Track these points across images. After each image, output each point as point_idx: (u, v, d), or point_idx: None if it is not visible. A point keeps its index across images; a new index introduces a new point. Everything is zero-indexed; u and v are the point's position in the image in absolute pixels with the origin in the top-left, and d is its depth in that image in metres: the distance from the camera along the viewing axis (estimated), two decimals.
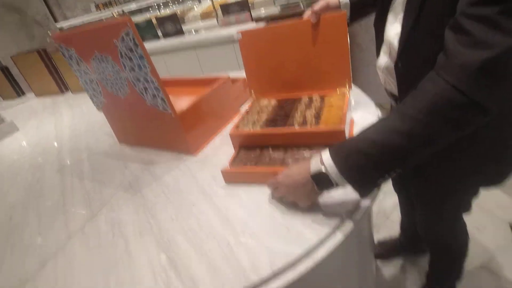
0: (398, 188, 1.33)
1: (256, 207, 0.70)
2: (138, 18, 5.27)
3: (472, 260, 1.37)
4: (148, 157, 1.04)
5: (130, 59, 0.80)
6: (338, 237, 0.60)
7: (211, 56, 2.71)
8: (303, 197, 0.64)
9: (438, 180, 0.89)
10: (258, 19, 2.41)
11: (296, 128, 0.80)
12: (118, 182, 0.95)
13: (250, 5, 2.83)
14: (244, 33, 0.96)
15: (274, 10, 2.85)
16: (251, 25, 2.61)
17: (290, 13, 2.36)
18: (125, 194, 0.88)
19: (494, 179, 0.85)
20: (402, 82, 0.75)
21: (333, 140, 0.76)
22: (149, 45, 3.01)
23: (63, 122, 1.64)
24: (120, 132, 1.17)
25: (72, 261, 0.71)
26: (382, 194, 1.98)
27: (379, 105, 1.01)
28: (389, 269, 1.60)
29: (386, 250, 1.62)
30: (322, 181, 0.58)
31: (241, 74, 1.49)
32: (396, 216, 1.72)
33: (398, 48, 0.70)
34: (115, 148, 1.18)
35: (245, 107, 1.19)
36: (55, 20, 5.06)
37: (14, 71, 2.31)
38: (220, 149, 0.97)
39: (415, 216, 1.39)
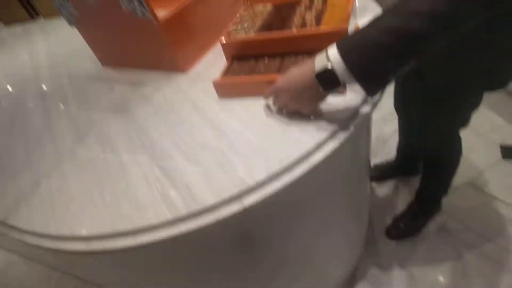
0: (400, 106, 1.29)
1: (251, 118, 0.66)
2: None
3: (459, 178, 1.40)
4: (135, 77, 0.96)
5: None
6: (335, 142, 0.57)
7: None
8: (307, 102, 0.58)
9: (445, 79, 0.83)
10: None
11: (294, 31, 0.71)
12: (105, 104, 0.88)
13: None
14: None
15: None
16: None
17: None
18: (113, 116, 0.82)
19: (502, 81, 0.80)
20: None
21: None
22: None
23: (38, 51, 1.50)
24: (101, 53, 1.07)
25: (66, 179, 0.67)
26: (382, 121, 1.95)
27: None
28: (383, 189, 1.65)
29: (381, 172, 1.65)
30: (327, 80, 0.52)
31: None
32: (394, 142, 1.72)
33: None
34: (99, 70, 1.08)
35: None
36: None
37: None
38: (214, 65, 0.89)
39: (413, 136, 1.38)
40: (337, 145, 0.56)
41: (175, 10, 0.82)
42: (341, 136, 0.58)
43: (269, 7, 0.86)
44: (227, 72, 0.75)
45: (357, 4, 0.88)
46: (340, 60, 0.49)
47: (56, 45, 1.49)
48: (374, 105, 0.63)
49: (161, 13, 0.79)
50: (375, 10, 0.91)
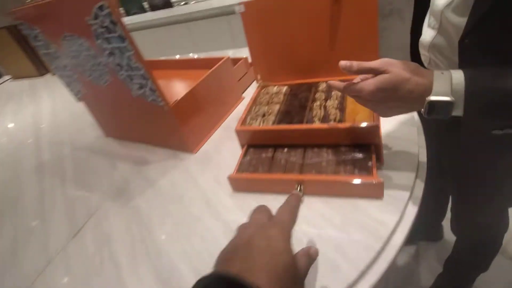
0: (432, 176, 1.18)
1: None
2: None
3: None
4: (139, 154, 0.90)
5: (108, 41, 0.63)
6: (381, 266, 0.48)
7: (205, 31, 2.50)
8: (395, 113, 0.52)
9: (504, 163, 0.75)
10: None
11: (318, 124, 0.65)
12: (106, 186, 0.81)
13: None
14: (248, 4, 0.78)
15: None
16: None
17: None
18: (114, 204, 0.74)
19: None
20: (467, 61, 0.58)
21: (364, 138, 0.62)
22: (135, 19, 2.76)
23: (42, 109, 1.47)
24: (106, 125, 1.02)
25: None
26: None
27: None
28: (403, 257, 1.52)
29: None
30: (439, 109, 0.46)
31: (240, 52, 1.32)
32: None
33: (470, 20, 0.53)
34: (101, 142, 1.03)
35: (248, 93, 1.05)
36: None
37: None
38: (223, 144, 0.83)
39: (440, 208, 1.27)
40: (382, 271, 0.48)
41: (186, 92, 0.78)
42: (386, 257, 0.49)
43: (284, 88, 0.81)
44: (242, 162, 0.69)
45: None
46: (463, 98, 0.45)
47: (60, 104, 1.46)
48: (417, 216, 0.55)
49: (170, 93, 0.75)
50: None
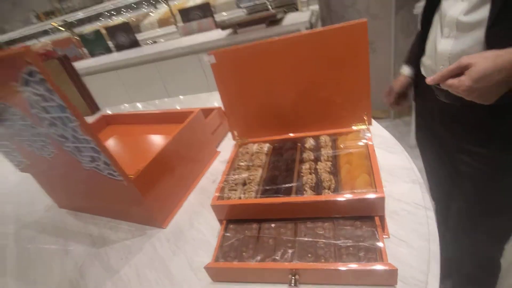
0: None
1: None
2: (87, 29, 4.83)
3: None
4: (98, 231, 0.75)
5: (46, 110, 0.51)
6: None
7: (174, 70, 2.41)
8: (496, 96, 0.56)
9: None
10: (223, 26, 2.14)
11: (311, 196, 0.55)
12: (55, 280, 0.66)
13: (212, 8, 2.57)
14: (218, 54, 0.69)
15: (238, 13, 2.61)
16: (216, 33, 2.34)
17: (258, 17, 2.11)
18: None
19: None
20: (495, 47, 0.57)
21: (367, 211, 0.52)
22: (100, 60, 2.64)
23: None
24: (58, 196, 0.86)
25: None
26: None
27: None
28: None
29: None
30: None
31: (213, 96, 1.23)
32: None
33: (489, 24, 0.58)
34: (53, 215, 0.87)
35: (224, 146, 0.93)
36: None
37: None
38: (197, 214, 0.71)
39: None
40: None
41: (149, 161, 0.66)
42: None
43: (266, 146, 0.71)
44: (221, 246, 0.56)
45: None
46: None
47: (7, 168, 1.27)
48: None
49: (133, 156, 0.62)
50: (385, 136, 0.80)
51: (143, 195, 0.64)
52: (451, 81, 0.56)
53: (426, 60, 0.78)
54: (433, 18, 0.75)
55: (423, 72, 0.80)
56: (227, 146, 0.93)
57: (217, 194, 0.60)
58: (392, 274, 0.46)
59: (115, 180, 0.60)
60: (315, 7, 2.43)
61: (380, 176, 0.53)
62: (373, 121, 0.84)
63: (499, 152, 0.71)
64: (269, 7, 2.37)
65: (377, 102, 2.67)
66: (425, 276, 0.48)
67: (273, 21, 2.11)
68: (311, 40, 0.61)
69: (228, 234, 0.58)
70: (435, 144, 0.93)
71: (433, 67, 0.74)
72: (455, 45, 0.66)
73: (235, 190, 0.61)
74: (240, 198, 0.59)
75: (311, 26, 2.15)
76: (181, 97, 1.46)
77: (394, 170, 0.68)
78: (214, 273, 0.54)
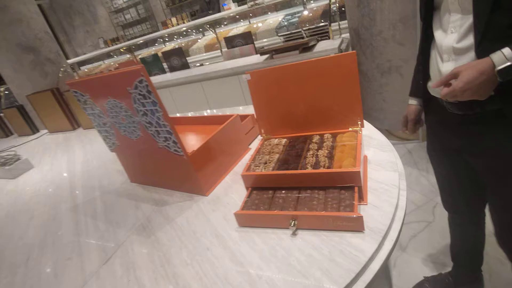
0: (463, 199, 1.21)
1: (270, 252, 0.69)
2: (144, 53, 5.46)
3: None
4: (159, 197, 1.04)
5: (143, 104, 0.82)
6: (359, 286, 0.59)
7: (217, 88, 2.77)
8: (486, 92, 0.76)
9: None
10: (262, 52, 2.47)
11: (310, 170, 0.80)
12: (131, 223, 0.95)
13: (253, 36, 2.92)
14: (253, 74, 0.98)
15: (276, 39, 2.93)
16: (255, 58, 2.67)
17: (292, 44, 2.42)
18: (138, 237, 0.87)
19: None
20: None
21: (348, 182, 0.76)
22: (156, 79, 3.09)
23: (75, 159, 1.66)
24: (132, 172, 1.18)
25: None
26: None
27: (388, 132, 1.01)
28: None
29: None
30: (508, 72, 0.71)
31: (248, 108, 1.51)
32: (412, 249, 1.68)
33: (476, 47, 0.78)
34: (126, 186, 1.18)
35: (254, 144, 1.21)
36: (67, 57, 5.26)
37: (28, 108, 2.37)
38: (231, 188, 0.97)
39: (477, 235, 1.30)
40: None
41: (201, 144, 0.94)
42: (364, 279, 0.60)
43: (284, 140, 0.97)
44: (247, 202, 0.82)
45: (362, 133, 0.99)
46: None
47: (91, 154, 1.65)
48: (393, 247, 0.66)
49: (188, 145, 0.90)
50: (380, 139, 1.02)
51: (195, 169, 0.92)
52: (446, 90, 0.78)
53: (432, 83, 0.97)
54: (430, 49, 0.96)
55: (432, 93, 0.98)
56: (256, 144, 1.20)
57: (246, 169, 0.87)
58: (359, 221, 0.68)
59: (178, 155, 0.89)
60: (347, 35, 2.68)
61: (360, 160, 0.77)
62: (370, 126, 1.07)
63: None
64: (304, 35, 2.66)
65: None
66: (387, 228, 0.69)
67: (306, 47, 2.40)
68: (316, 65, 0.88)
69: (251, 197, 0.84)
70: (449, 155, 1.08)
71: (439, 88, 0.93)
72: (455, 65, 0.84)
73: (258, 166, 0.87)
74: (261, 171, 0.85)
75: (340, 52, 2.40)
76: (222, 109, 1.77)
77: (382, 163, 0.90)
78: (240, 218, 0.79)
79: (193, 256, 0.74)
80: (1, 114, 2.59)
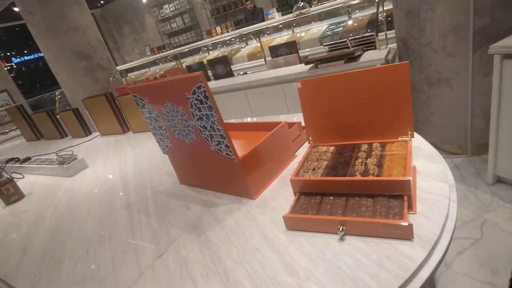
0: None
1: (318, 255, 0.71)
2: (189, 60, 5.69)
3: None
4: (208, 199, 1.09)
5: (199, 109, 0.87)
6: None
7: (260, 97, 2.82)
8: None
9: None
10: (306, 61, 2.49)
11: (359, 177, 0.80)
12: (182, 222, 1.00)
13: (298, 45, 2.95)
14: (303, 82, 1.00)
15: (320, 49, 2.94)
16: (299, 67, 2.70)
17: (337, 54, 2.41)
18: (189, 235, 0.92)
19: None
20: None
21: (398, 190, 0.75)
22: None
23: (126, 160, 1.77)
24: (182, 173, 1.24)
25: None
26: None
27: (435, 146, 0.99)
28: None
29: None
30: None
31: (292, 117, 1.54)
32: (457, 266, 1.60)
33: None
34: (176, 188, 1.25)
35: (300, 152, 1.23)
36: (116, 64, 5.62)
37: (82, 111, 2.57)
38: (278, 193, 1.00)
39: None
40: None
41: (252, 149, 0.98)
42: (413, 286, 0.60)
43: (332, 148, 0.98)
44: (295, 206, 0.84)
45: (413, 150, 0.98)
46: None
47: (141, 157, 1.75)
48: (443, 256, 0.66)
49: (237, 149, 0.94)
50: (429, 150, 1.00)
51: (245, 173, 0.96)
52: None
53: None
54: None
55: None
56: (303, 152, 1.22)
57: (295, 174, 0.89)
58: (409, 229, 0.68)
59: (229, 159, 0.93)
60: (394, 45, 2.63)
61: (411, 169, 0.77)
62: (419, 137, 1.06)
63: None
64: (349, 45, 2.65)
65: (454, 137, 2.69)
66: (437, 237, 0.69)
67: (351, 57, 2.39)
68: (367, 75, 0.89)
69: (299, 201, 0.86)
70: None
71: None
72: None
73: (307, 172, 0.89)
74: (310, 177, 0.87)
75: (387, 63, 2.36)
76: (265, 117, 1.81)
77: (431, 173, 0.89)
78: (288, 221, 0.81)
79: (243, 256, 0.78)
80: (58, 116, 2.81)
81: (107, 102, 2.25)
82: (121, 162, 1.76)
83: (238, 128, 1.37)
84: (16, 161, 2.19)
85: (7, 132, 4.27)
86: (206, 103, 0.84)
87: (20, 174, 1.96)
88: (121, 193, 1.35)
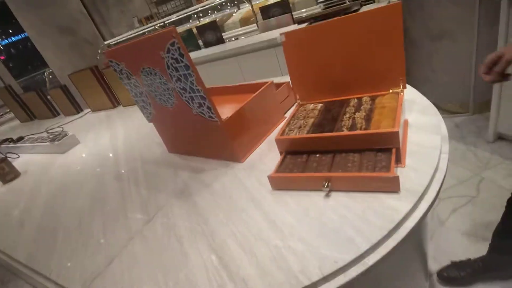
0: None
1: (303, 213, 0.69)
2: (179, 29, 5.50)
3: None
4: (196, 165, 1.07)
5: (176, 69, 0.82)
6: (390, 243, 0.58)
7: (253, 63, 2.74)
8: None
9: None
10: (300, 21, 2.38)
11: (344, 132, 0.77)
12: (170, 189, 0.98)
13: (291, 5, 2.82)
14: (288, 34, 0.94)
15: (317, 9, 2.80)
16: (292, 28, 2.59)
17: (333, 11, 2.30)
18: (177, 201, 0.91)
19: None
20: None
21: (385, 143, 0.72)
22: (191, 56, 3.12)
23: (117, 134, 1.74)
24: (169, 142, 1.21)
25: (134, 259, 0.76)
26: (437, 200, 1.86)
27: (436, 105, 0.94)
28: None
29: (463, 274, 1.38)
30: None
31: (285, 79, 1.49)
32: (451, 223, 1.61)
33: None
34: (165, 157, 1.22)
35: (290, 112, 1.19)
36: (104, 39, 5.45)
37: (72, 89, 2.51)
38: (266, 155, 0.97)
39: None
40: (391, 247, 0.57)
41: (235, 111, 0.94)
42: (397, 237, 0.58)
43: (319, 105, 0.94)
44: (280, 165, 0.82)
45: (404, 97, 0.93)
46: None
47: (131, 130, 1.72)
48: (430, 207, 0.64)
49: (223, 113, 0.91)
50: (423, 103, 0.96)
51: (230, 136, 0.93)
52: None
53: None
54: None
55: None
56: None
57: (280, 133, 0.86)
58: (395, 181, 0.66)
59: (212, 121, 0.89)
60: None
61: (399, 120, 0.73)
62: (413, 89, 1.01)
63: None
64: (347, 0, 2.51)
65: (455, 96, 2.61)
66: (424, 188, 0.66)
67: (347, 13, 2.28)
68: (356, 20, 0.84)
69: (285, 161, 0.83)
70: None
71: None
72: None
73: (293, 131, 0.86)
74: (295, 135, 0.84)
75: None
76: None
77: (424, 126, 0.85)
78: (273, 181, 0.79)
79: (229, 217, 0.76)
80: (48, 96, 2.75)
81: (93, 77, 2.18)
82: (111, 137, 1.73)
83: (223, 92, 1.32)
84: (10, 142, 2.17)
85: (1, 115, 4.23)
86: (182, 62, 0.79)
87: (16, 154, 1.95)
88: (112, 166, 1.33)
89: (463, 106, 2.44)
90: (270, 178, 0.79)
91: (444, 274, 1.40)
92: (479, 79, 2.25)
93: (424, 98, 0.99)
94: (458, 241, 1.57)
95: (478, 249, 1.44)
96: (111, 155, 1.46)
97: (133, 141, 1.53)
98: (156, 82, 0.93)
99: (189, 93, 0.87)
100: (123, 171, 1.24)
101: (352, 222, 0.62)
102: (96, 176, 1.30)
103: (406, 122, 0.88)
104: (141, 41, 0.86)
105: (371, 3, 2.51)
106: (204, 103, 0.86)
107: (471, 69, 2.25)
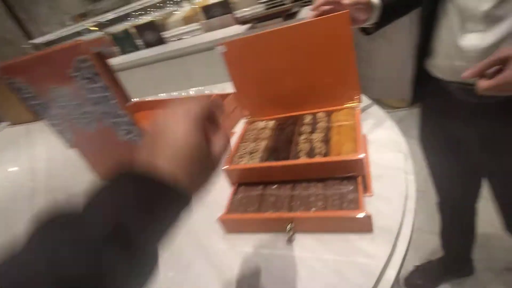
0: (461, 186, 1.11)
1: (264, 265, 0.57)
2: (116, 29, 5.09)
3: None
4: None
5: (92, 90, 0.65)
6: None
7: (198, 65, 2.55)
8: None
9: None
10: (243, 21, 2.26)
11: (304, 159, 0.66)
12: None
13: (232, 5, 2.68)
14: (229, 44, 0.81)
15: (259, 8, 2.70)
16: (236, 28, 2.46)
17: (275, 11, 2.21)
18: None
19: None
20: None
21: (350, 171, 0.62)
22: (130, 58, 2.84)
23: (37, 156, 1.47)
24: (99, 169, 1.02)
25: None
26: None
27: (378, 101, 0.87)
28: None
29: (427, 279, 1.37)
30: None
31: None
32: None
33: None
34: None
35: (239, 128, 1.05)
36: (31, 37, 4.86)
37: None
38: (214, 183, 0.83)
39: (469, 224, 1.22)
40: None
41: None
42: None
43: (271, 123, 0.82)
44: (232, 202, 0.68)
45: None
46: None
47: (55, 148, 1.45)
48: (408, 247, 0.55)
49: None
50: (377, 114, 0.89)
51: None
52: (488, 83, 0.55)
53: (441, 61, 0.78)
54: (439, 13, 0.73)
55: (435, 73, 0.81)
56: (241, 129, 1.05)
57: (228, 161, 0.72)
58: (367, 221, 0.56)
59: None
60: None
61: (362, 143, 0.64)
62: (365, 98, 0.93)
63: None
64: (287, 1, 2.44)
65: (393, 92, 2.66)
66: (399, 225, 0.57)
67: (289, 14, 2.20)
68: (302, 30, 0.72)
69: (238, 195, 0.70)
70: (450, 143, 0.95)
71: (454, 67, 0.73)
72: (483, 39, 0.65)
73: (243, 158, 0.72)
74: (246, 163, 0.71)
75: None
76: (200, 87, 1.60)
77: (383, 142, 0.77)
78: (225, 224, 0.65)
79: (175, 274, 0.61)
80: None
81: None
82: (31, 158, 1.47)
83: (158, 106, 1.15)
84: None
85: None
86: (98, 82, 0.62)
87: None
88: (26, 203, 1.09)
89: (400, 101, 2.52)
90: (222, 221, 0.65)
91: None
92: (424, 93, 2.36)
93: (377, 108, 0.92)
94: (416, 239, 1.57)
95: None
96: (29, 185, 1.21)
97: (56, 165, 1.29)
98: (71, 104, 0.74)
99: (113, 117, 0.69)
100: (40, 207, 1.02)
101: (325, 278, 0.51)
102: (3, 213, 1.05)
103: (364, 138, 0.79)
104: (42, 56, 0.67)
105: (310, 4, 2.47)
106: (132, 130, 0.70)
107: (407, 68, 2.33)
